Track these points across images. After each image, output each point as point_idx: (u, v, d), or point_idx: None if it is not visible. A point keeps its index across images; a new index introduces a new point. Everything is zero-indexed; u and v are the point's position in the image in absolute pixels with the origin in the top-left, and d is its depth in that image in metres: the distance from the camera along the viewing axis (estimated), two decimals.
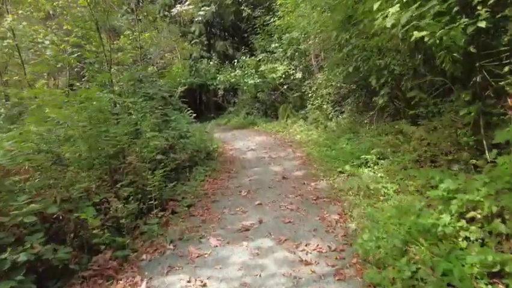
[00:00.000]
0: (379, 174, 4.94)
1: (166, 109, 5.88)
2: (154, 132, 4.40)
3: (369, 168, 5.29)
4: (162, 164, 4.39)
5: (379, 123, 6.78)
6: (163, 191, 4.20)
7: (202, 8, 14.40)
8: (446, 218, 2.48)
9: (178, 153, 5.57)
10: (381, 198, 3.99)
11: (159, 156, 4.46)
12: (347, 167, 5.38)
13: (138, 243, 3.14)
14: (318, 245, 2.97)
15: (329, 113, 10.08)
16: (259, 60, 12.14)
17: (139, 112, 5.27)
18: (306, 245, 2.99)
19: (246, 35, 13.75)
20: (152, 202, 3.72)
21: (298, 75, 10.12)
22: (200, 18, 14.01)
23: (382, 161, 5.37)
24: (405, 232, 2.61)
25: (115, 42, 9.98)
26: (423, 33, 2.81)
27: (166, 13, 13.81)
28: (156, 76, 6.93)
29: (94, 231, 2.71)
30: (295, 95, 12.95)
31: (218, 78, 12.37)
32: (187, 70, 15.09)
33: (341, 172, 5.36)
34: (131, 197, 3.35)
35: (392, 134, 5.73)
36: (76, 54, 5.60)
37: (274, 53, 11.26)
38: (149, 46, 11.02)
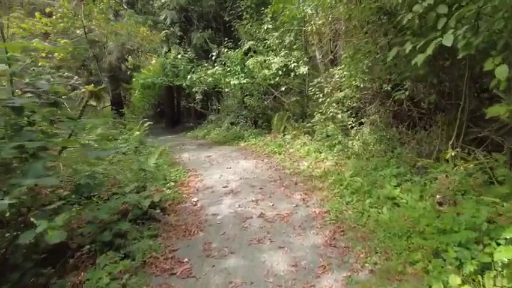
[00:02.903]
0: None
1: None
2: None
3: None
4: None
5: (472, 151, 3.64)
6: None
7: None
8: None
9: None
10: None
11: None
12: None
13: None
14: None
15: (348, 126, 6.94)
16: (246, 51, 8.91)
17: None
18: None
19: (228, 18, 10.48)
20: None
21: (303, 69, 6.95)
22: (167, 1, 10.74)
23: None
24: None
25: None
26: None
27: None
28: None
29: None
30: (292, 99, 9.83)
31: (189, 77, 9.05)
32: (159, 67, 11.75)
33: None
34: None
35: None
36: None
37: (266, 40, 8.05)
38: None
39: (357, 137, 6.21)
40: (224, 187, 5.04)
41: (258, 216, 3.74)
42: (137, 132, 6.38)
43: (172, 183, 5.18)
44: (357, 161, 5.56)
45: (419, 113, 5.68)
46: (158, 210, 3.93)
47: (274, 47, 7.63)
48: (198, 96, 12.87)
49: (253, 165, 6.41)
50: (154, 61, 11.89)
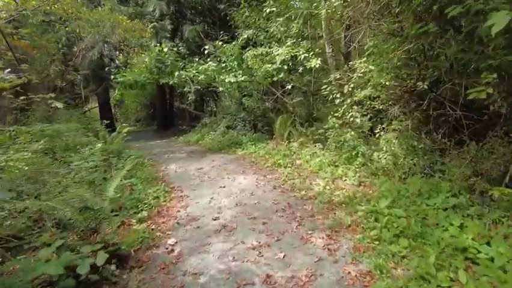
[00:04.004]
0: None
1: None
2: None
3: None
4: None
5: None
6: None
7: None
8: None
9: None
10: None
11: None
12: None
13: None
14: None
15: (366, 133, 5.68)
16: (244, 44, 7.60)
17: None
18: None
19: (223, 6, 9.17)
20: None
21: (315, 62, 5.64)
22: None
23: None
24: None
25: None
26: None
27: None
28: None
29: None
30: (296, 100, 8.58)
31: (177, 74, 7.75)
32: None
33: None
34: None
35: None
36: None
37: (269, 28, 6.72)
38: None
39: (384, 148, 4.94)
40: (214, 219, 3.74)
41: (262, 281, 2.43)
42: (99, 145, 5.09)
43: (145, 213, 3.88)
44: (389, 182, 4.29)
45: (467, 118, 4.42)
46: (113, 267, 2.63)
47: (279, 36, 6.30)
48: (191, 97, 11.57)
49: (253, 183, 5.10)
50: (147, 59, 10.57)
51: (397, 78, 5.04)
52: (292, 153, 6.61)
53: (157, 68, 7.73)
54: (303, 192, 4.36)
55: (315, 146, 6.45)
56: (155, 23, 10.92)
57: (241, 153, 7.82)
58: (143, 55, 10.67)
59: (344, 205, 3.82)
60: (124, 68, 9.26)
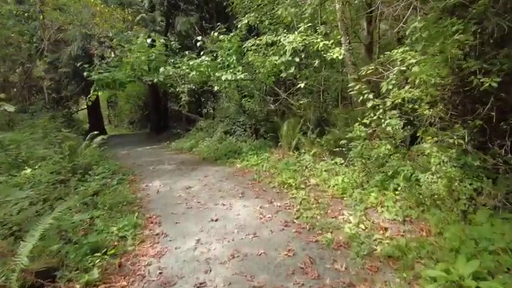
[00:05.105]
0: None
1: None
2: None
3: None
4: None
5: None
6: None
7: None
8: None
9: None
10: None
11: None
12: None
13: None
14: None
15: (401, 144, 4.41)
16: (245, 36, 6.32)
17: None
18: None
19: None
20: None
21: (338, 53, 4.32)
22: None
23: None
24: None
25: None
26: None
27: None
28: None
29: None
30: (303, 101, 7.34)
31: (162, 70, 6.46)
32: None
33: None
34: None
35: None
36: None
37: (275, 13, 5.41)
38: None
39: (433, 168, 3.64)
40: (199, 286, 2.44)
41: None
42: (28, 170, 3.78)
43: (97, 272, 2.58)
44: (451, 221, 3.00)
45: None
46: None
47: (289, 18, 4.97)
48: (184, 98, 10.31)
49: (257, 214, 3.81)
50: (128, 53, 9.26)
51: (451, 73, 3.78)
52: (304, 168, 5.32)
53: (139, 63, 6.44)
54: (329, 236, 3.06)
55: (333, 159, 5.17)
56: (143, 15, 9.66)
57: (240, 165, 6.52)
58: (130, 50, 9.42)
59: (394, 261, 2.53)
60: (101, 64, 7.97)
